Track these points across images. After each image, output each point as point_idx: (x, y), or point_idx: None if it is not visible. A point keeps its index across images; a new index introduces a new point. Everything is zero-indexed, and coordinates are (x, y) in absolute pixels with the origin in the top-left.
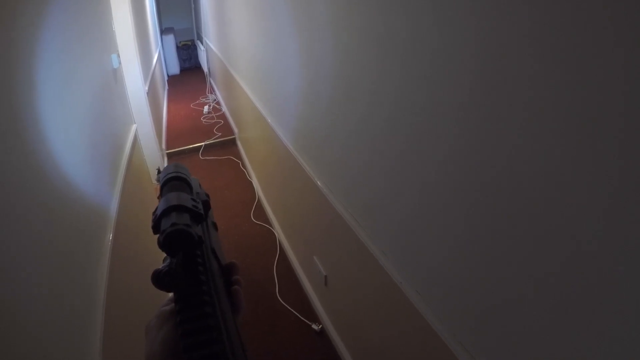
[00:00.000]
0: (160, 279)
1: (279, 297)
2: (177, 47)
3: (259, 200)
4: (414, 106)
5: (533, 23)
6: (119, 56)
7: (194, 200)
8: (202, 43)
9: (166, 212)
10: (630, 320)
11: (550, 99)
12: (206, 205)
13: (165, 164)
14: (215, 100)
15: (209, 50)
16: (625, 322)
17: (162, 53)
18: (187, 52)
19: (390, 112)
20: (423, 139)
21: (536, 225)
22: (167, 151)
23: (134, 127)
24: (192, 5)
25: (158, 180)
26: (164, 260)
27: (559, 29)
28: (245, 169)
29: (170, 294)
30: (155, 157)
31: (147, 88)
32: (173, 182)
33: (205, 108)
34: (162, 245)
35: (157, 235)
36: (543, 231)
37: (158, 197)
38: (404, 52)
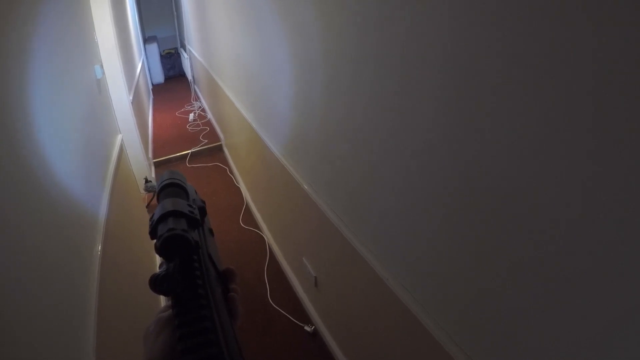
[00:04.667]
0: (157, 284)
1: (270, 301)
2: (161, 56)
3: (247, 206)
4: (389, 105)
5: (504, 22)
6: (102, 67)
7: (190, 206)
8: (185, 51)
9: (163, 217)
10: (621, 312)
11: (518, 91)
12: (202, 211)
13: (153, 173)
14: (200, 107)
15: (193, 57)
16: (616, 314)
17: (146, 62)
18: (171, 61)
19: (367, 111)
20: (400, 136)
21: (518, 216)
22: (154, 160)
23: (119, 137)
24: (175, 14)
25: (146, 190)
26: (160, 265)
27: (533, 30)
28: (233, 175)
29: (168, 301)
30: (142, 167)
31: (131, 97)
32: (169, 188)
33: (191, 116)
34: (160, 250)
35: (154, 240)
36: (525, 221)
37: (147, 206)
38: (377, 52)
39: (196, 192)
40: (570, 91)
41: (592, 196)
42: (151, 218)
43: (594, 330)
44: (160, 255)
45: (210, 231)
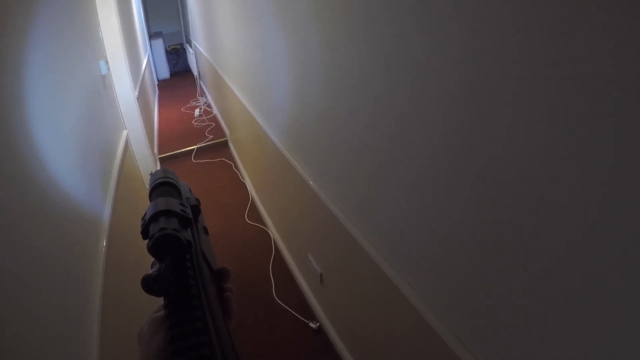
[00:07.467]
0: (149, 284)
1: (275, 297)
2: (166, 51)
3: (252, 201)
4: (399, 102)
5: (515, 25)
6: (107, 62)
7: (182, 204)
8: (191, 46)
9: (154, 217)
10: (623, 309)
11: (533, 93)
12: (196, 209)
13: (158, 169)
14: (206, 103)
15: (198, 53)
16: (618, 312)
17: (152, 58)
18: (177, 56)
19: (376, 108)
20: (410, 134)
21: (527, 218)
22: (160, 156)
23: (124, 132)
24: (180, 9)
25: None
26: (152, 265)
27: (545, 33)
28: (238, 170)
29: (161, 301)
30: (147, 162)
31: (137, 93)
32: (161, 187)
33: (197, 111)
34: (151, 250)
35: (147, 240)
36: (534, 224)
37: None
38: (389, 47)
39: (190, 190)
40: (588, 98)
41: (609, 201)
42: (143, 217)
43: (608, 337)
44: (152, 255)
45: (205, 229)
